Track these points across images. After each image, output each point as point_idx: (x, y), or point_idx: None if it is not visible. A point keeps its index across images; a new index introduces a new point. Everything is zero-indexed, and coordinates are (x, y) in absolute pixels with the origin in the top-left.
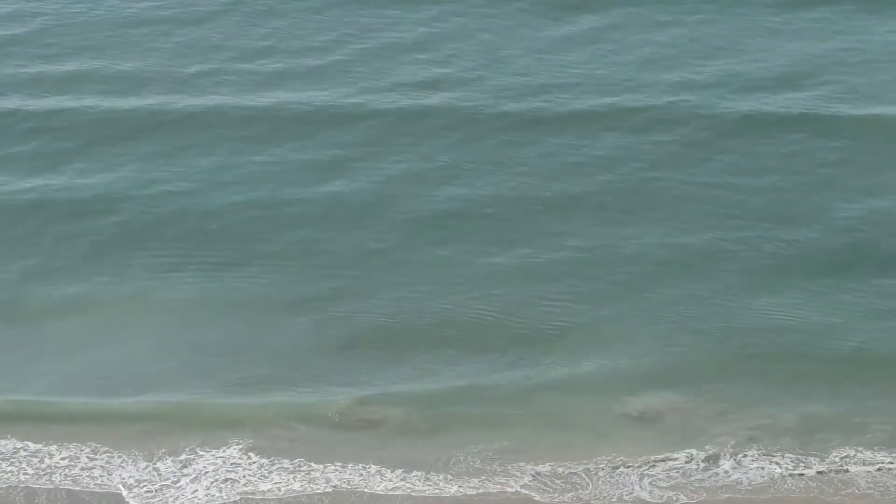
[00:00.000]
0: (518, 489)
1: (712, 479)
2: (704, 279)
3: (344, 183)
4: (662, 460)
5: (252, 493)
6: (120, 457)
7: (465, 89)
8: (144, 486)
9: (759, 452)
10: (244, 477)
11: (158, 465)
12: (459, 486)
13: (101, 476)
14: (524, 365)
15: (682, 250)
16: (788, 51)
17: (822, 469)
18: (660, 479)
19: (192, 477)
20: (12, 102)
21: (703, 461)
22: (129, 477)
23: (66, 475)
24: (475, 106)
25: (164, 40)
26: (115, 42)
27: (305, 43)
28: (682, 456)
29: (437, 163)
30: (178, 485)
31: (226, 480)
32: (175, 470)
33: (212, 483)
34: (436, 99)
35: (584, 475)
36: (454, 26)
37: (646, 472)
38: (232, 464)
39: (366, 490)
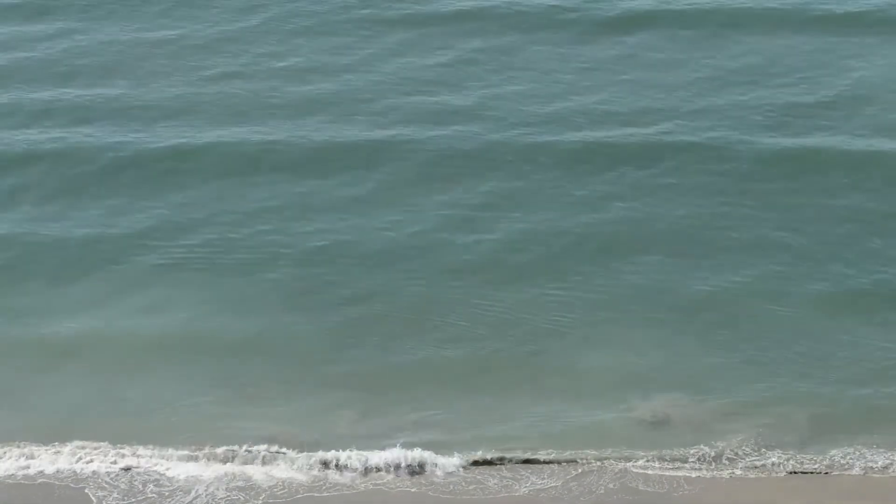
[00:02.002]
0: (522, 489)
1: (715, 474)
2: (715, 284)
3: (381, 219)
4: (667, 456)
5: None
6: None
7: (501, 120)
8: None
9: (764, 450)
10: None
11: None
12: (468, 486)
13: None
14: (527, 366)
15: (696, 263)
16: (833, 78)
17: (826, 468)
18: (661, 474)
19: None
20: (50, 131)
21: (707, 458)
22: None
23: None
24: (510, 138)
25: (194, 65)
26: (140, 68)
27: (332, 69)
28: (688, 452)
29: (477, 197)
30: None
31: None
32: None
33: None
34: (471, 130)
35: (585, 473)
36: (485, 53)
37: (647, 467)
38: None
39: (371, 487)
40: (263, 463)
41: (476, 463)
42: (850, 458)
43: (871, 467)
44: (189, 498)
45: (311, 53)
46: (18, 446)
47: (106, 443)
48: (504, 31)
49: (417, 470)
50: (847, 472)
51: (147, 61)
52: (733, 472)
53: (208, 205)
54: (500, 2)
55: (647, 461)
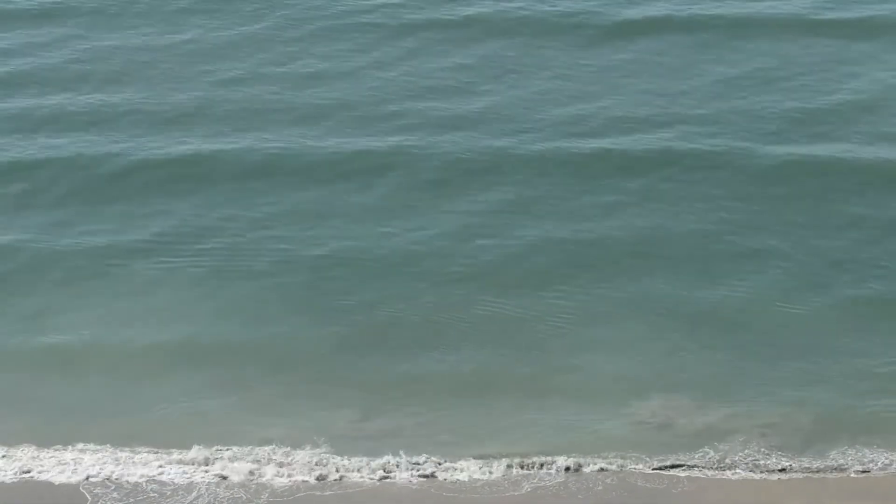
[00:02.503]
0: (526, 488)
1: (715, 473)
2: (719, 288)
3: (389, 225)
4: (668, 456)
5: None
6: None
7: (510, 127)
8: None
9: (765, 450)
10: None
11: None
12: (472, 485)
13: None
14: (530, 368)
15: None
16: (844, 84)
17: (827, 468)
18: (662, 474)
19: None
20: (59, 138)
21: (708, 458)
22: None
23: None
24: (518, 144)
25: (203, 70)
26: (149, 74)
27: (339, 75)
28: (689, 452)
29: (485, 204)
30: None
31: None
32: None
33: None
34: (481, 137)
35: (587, 472)
36: (494, 59)
37: (648, 467)
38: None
39: (376, 485)
40: (266, 463)
41: (480, 464)
42: (851, 459)
43: (872, 467)
44: (191, 497)
45: (321, 59)
46: (21, 449)
47: (108, 445)
48: (513, 37)
49: (420, 471)
50: (847, 472)
51: (156, 66)
52: (734, 472)
53: (216, 211)
54: (509, 7)
55: (649, 461)
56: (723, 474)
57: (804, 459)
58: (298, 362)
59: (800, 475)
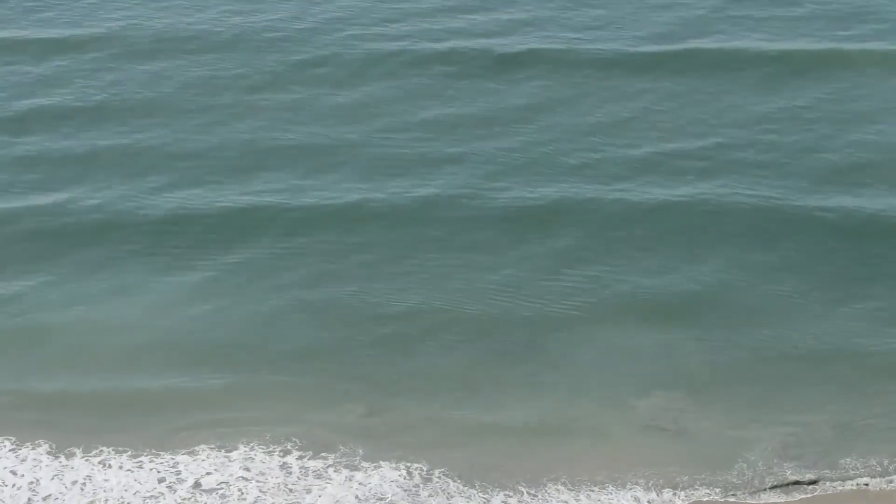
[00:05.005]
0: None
1: (724, 480)
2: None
3: (434, 284)
4: (677, 465)
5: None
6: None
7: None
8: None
9: (777, 460)
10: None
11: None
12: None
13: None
14: (536, 374)
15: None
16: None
17: (840, 478)
18: (669, 482)
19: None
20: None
21: (726, 471)
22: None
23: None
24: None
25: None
26: (180, 110)
27: (362, 115)
28: (700, 461)
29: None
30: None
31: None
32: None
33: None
34: (540, 191)
35: (598, 482)
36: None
37: (659, 475)
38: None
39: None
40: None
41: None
42: (857, 469)
43: (877, 477)
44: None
45: (372, 93)
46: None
47: (128, 447)
48: (551, 75)
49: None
50: (857, 483)
51: (207, 102)
52: (748, 483)
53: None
54: (543, 45)
55: (657, 469)
56: (739, 485)
57: (821, 472)
58: (310, 366)
59: (814, 486)
